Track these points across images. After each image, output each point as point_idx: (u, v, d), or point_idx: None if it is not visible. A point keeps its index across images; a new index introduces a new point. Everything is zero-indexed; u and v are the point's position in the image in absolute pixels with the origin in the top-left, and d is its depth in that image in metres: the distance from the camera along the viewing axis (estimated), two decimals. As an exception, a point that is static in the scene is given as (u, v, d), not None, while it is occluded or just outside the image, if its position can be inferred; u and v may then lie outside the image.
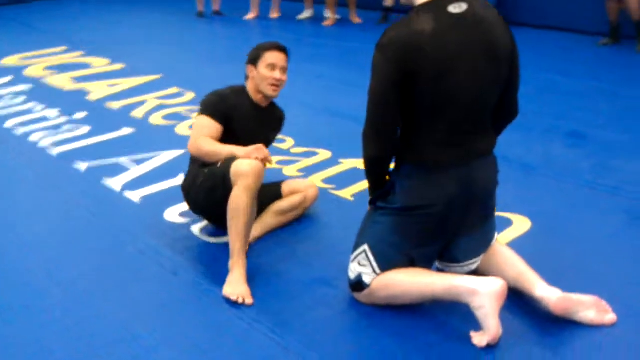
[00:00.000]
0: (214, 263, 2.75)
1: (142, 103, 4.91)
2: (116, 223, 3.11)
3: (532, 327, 2.28)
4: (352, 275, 2.39)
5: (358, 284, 2.37)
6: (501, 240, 2.71)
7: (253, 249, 2.82)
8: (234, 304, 2.44)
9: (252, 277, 2.58)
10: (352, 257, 2.40)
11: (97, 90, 5.25)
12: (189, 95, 5.07)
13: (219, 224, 2.91)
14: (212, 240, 2.94)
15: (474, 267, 2.44)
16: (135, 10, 9.22)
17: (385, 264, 2.32)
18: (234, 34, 7.80)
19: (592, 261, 2.70)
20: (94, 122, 4.49)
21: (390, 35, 2.13)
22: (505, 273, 2.38)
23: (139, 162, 3.79)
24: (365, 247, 2.35)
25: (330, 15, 8.08)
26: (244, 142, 2.73)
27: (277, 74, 2.82)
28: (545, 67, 5.75)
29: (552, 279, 2.37)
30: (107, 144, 4.10)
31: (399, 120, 2.21)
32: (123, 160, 3.82)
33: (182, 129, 4.36)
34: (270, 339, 2.26)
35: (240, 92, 2.91)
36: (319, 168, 3.68)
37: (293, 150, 3.94)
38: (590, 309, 2.26)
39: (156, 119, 4.58)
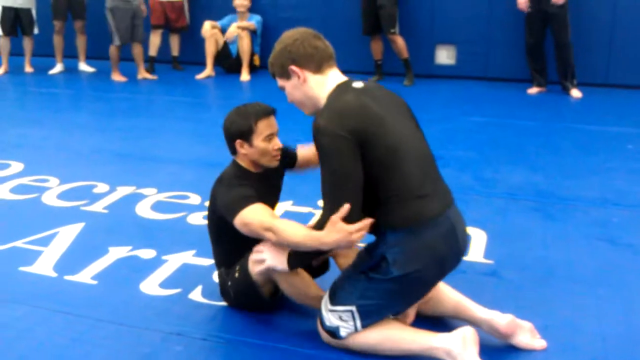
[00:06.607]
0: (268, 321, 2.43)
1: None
2: (91, 314, 2.50)
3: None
4: (327, 322, 2.25)
5: (332, 334, 2.25)
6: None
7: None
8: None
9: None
10: (332, 308, 2.24)
11: None
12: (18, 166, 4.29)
13: None
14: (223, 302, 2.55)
15: None
16: None
17: (369, 323, 2.24)
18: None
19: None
20: None
21: (325, 117, 2.10)
22: (444, 303, 2.42)
23: (42, 242, 3.09)
24: (353, 308, 2.22)
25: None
26: None
27: (278, 143, 2.38)
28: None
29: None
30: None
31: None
32: (20, 245, 3.08)
33: (48, 198, 3.68)
34: None
35: (239, 173, 2.40)
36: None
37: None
38: (527, 333, 2.38)
39: (4, 194, 3.76)
